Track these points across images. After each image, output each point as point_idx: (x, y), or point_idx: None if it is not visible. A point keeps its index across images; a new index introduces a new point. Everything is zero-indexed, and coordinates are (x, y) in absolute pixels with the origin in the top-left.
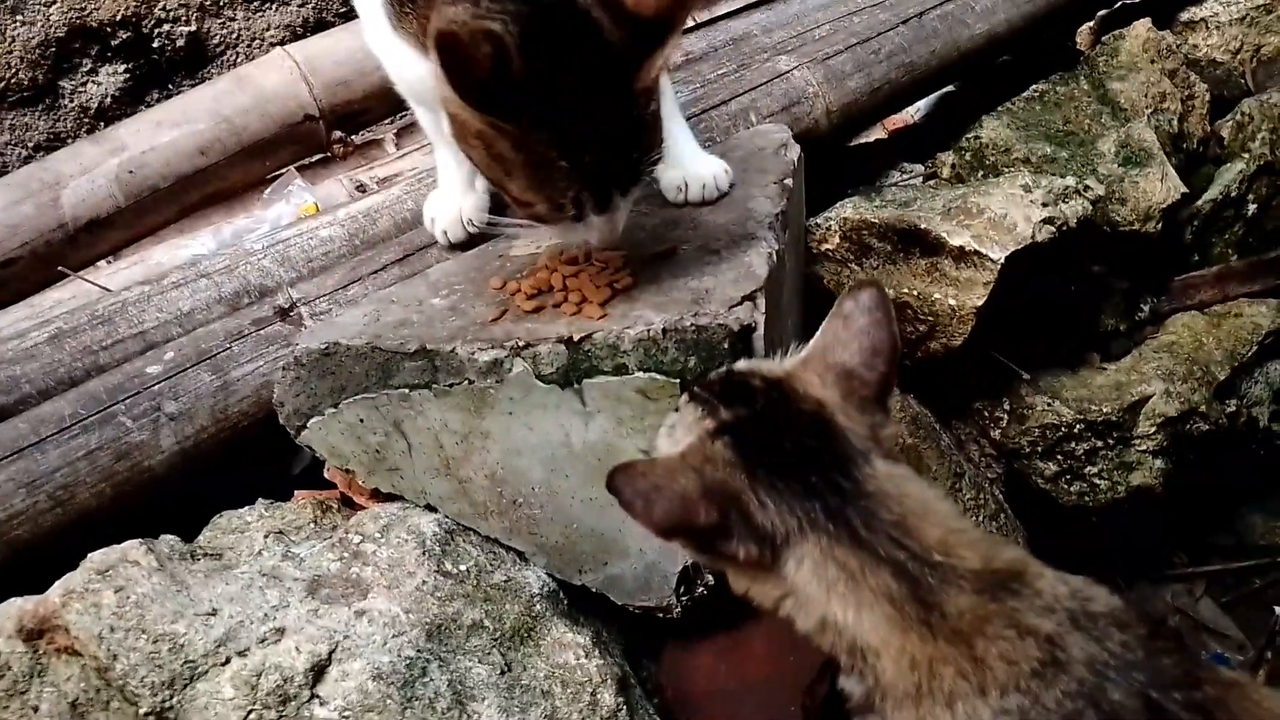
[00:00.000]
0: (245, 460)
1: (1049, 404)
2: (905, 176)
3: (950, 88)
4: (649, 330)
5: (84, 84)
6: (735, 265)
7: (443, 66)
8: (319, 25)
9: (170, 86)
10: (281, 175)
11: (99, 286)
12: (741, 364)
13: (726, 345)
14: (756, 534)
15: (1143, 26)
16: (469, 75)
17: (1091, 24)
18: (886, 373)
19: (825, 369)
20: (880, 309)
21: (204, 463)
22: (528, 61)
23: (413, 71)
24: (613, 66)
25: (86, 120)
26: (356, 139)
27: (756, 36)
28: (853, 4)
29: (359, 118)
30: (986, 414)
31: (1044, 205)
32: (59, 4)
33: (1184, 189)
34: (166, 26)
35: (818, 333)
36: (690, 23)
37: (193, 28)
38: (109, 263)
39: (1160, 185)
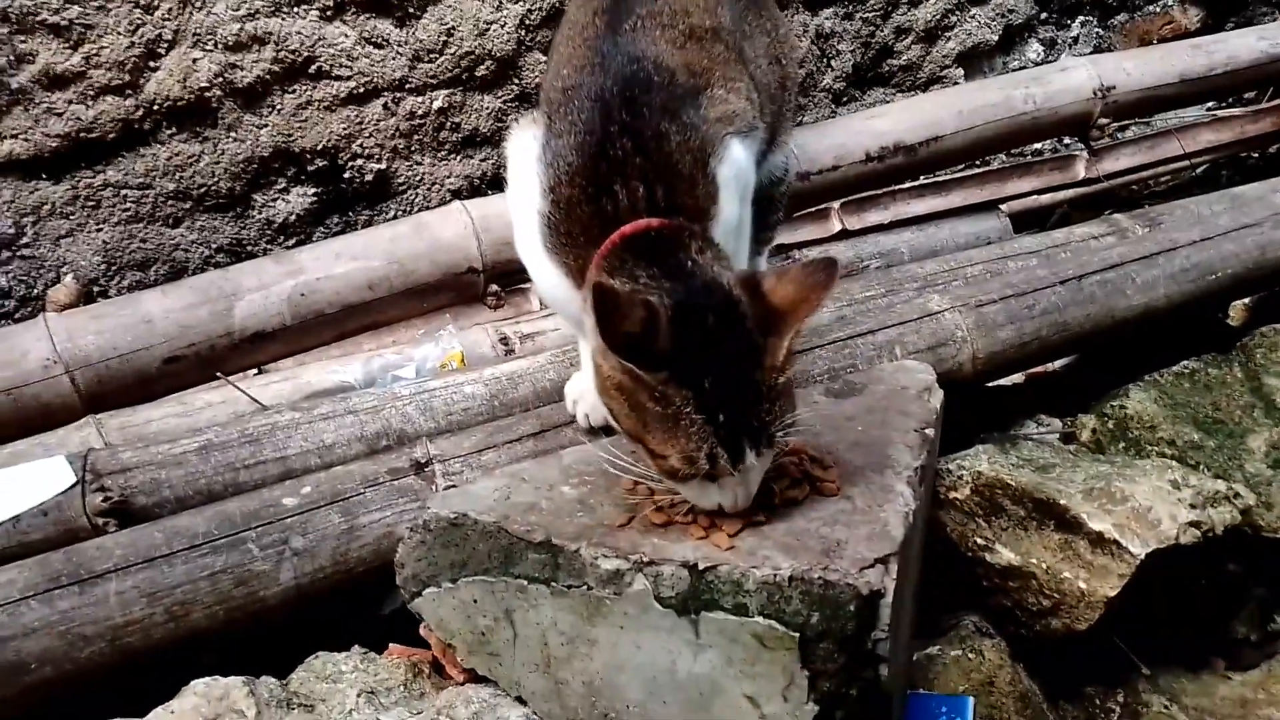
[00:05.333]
0: (347, 599)
1: (1166, 706)
2: (1041, 429)
3: None
4: (775, 575)
5: (274, 200)
6: (870, 520)
7: (597, 315)
8: (495, 179)
9: (350, 213)
10: (435, 317)
11: (251, 398)
12: None
13: (853, 608)
14: None
15: None
16: (621, 330)
17: (1247, 301)
18: None
19: None
20: None
21: (314, 600)
22: (676, 332)
23: (562, 293)
24: (749, 343)
25: (269, 232)
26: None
27: (906, 263)
28: (1008, 248)
29: (516, 275)
30: (1098, 701)
31: (1192, 507)
32: (270, 128)
33: None
34: (360, 161)
35: None
36: (838, 227)
37: (382, 166)
38: (259, 371)
39: None
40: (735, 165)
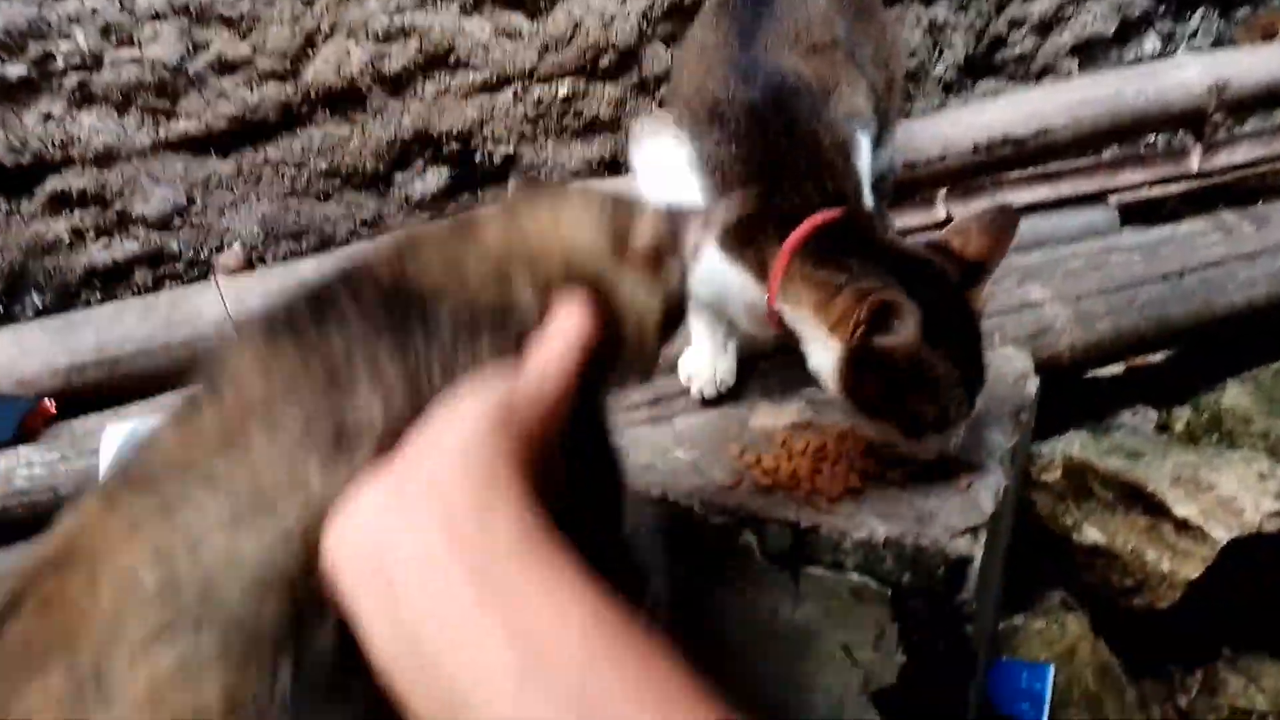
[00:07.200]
0: None
1: (1244, 686)
2: (1137, 419)
3: None
4: (871, 537)
5: (413, 179)
6: (962, 495)
7: (871, 326)
8: (613, 161)
9: (479, 192)
10: None
11: None
12: None
13: (942, 571)
14: None
15: None
16: (904, 334)
17: None
18: None
19: None
20: None
21: None
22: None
23: (744, 295)
24: (961, 301)
25: (406, 208)
26: None
27: (1010, 253)
28: (1111, 242)
29: None
30: (1177, 677)
31: (1277, 497)
32: (411, 113)
33: None
34: (490, 145)
35: None
36: (943, 214)
37: (509, 150)
38: None
39: None
40: (864, 156)
